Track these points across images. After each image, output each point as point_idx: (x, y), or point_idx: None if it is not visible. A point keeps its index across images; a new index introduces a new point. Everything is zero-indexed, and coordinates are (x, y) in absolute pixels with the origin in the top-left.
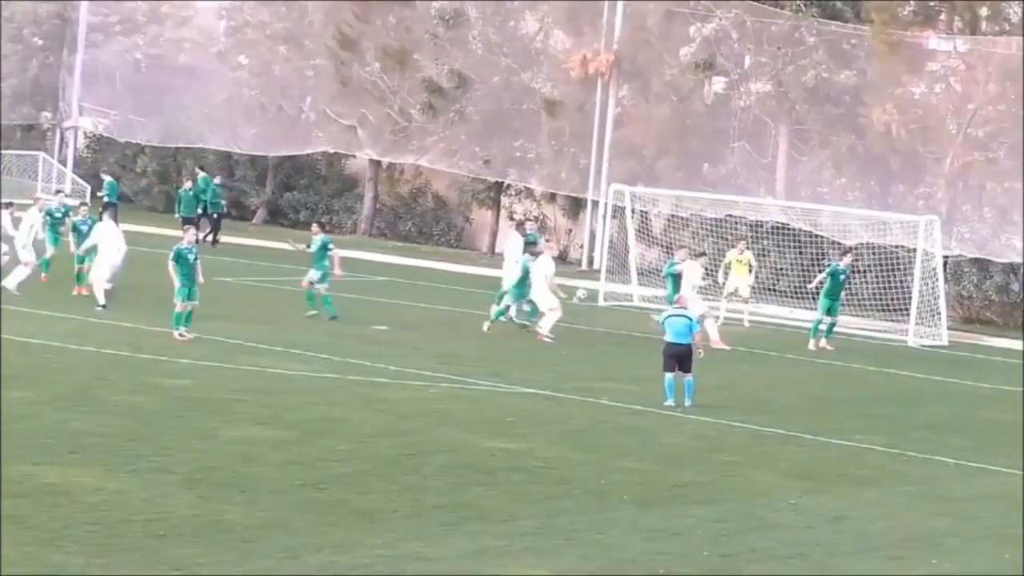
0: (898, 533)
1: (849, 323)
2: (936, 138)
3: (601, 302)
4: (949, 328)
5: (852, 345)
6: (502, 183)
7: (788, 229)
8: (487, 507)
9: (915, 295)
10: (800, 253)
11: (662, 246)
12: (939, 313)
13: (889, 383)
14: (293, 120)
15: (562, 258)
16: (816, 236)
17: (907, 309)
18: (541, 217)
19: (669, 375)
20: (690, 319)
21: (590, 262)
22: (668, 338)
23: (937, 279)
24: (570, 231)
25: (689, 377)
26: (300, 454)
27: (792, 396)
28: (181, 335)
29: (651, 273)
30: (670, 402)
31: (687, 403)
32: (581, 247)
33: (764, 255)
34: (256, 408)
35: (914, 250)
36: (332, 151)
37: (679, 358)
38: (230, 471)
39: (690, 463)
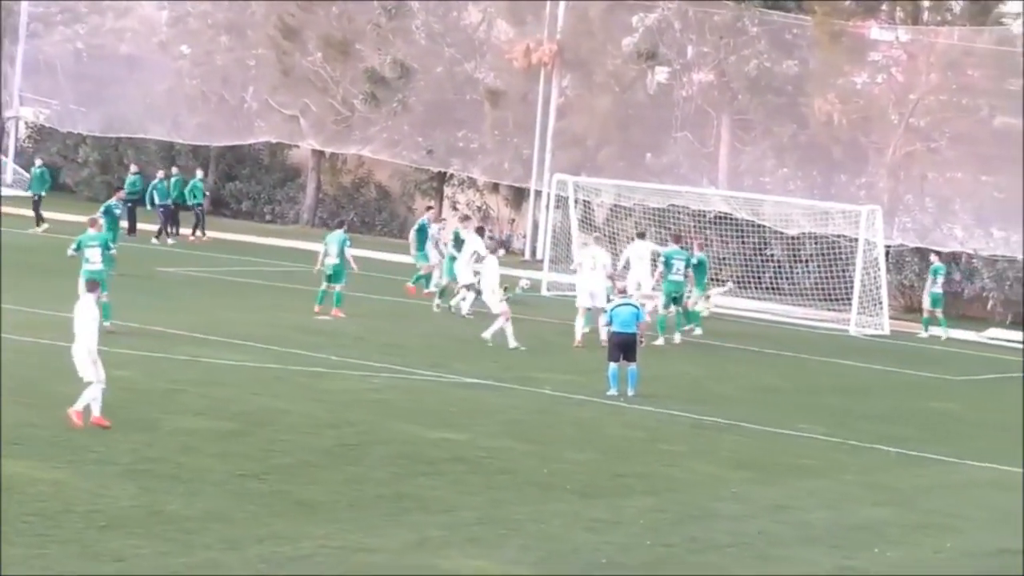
0: (840, 522)
1: (790, 313)
2: (878, 128)
3: (544, 292)
4: (891, 317)
5: (794, 335)
6: (445, 173)
7: (731, 219)
8: (429, 498)
9: (857, 284)
10: (743, 243)
11: (605, 236)
12: (881, 302)
13: (831, 372)
14: (235, 110)
15: (505, 248)
16: (758, 226)
17: (849, 298)
18: (484, 207)
19: (613, 364)
20: (636, 308)
21: (533, 252)
22: (614, 327)
23: (879, 268)
24: (513, 221)
25: (633, 366)
26: (242, 445)
27: (733, 386)
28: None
29: None
30: (613, 391)
31: (630, 392)
32: (524, 237)
33: (707, 245)
34: (197, 399)
35: (856, 239)
36: (274, 141)
37: (624, 347)
38: (171, 462)
39: (632, 453)
